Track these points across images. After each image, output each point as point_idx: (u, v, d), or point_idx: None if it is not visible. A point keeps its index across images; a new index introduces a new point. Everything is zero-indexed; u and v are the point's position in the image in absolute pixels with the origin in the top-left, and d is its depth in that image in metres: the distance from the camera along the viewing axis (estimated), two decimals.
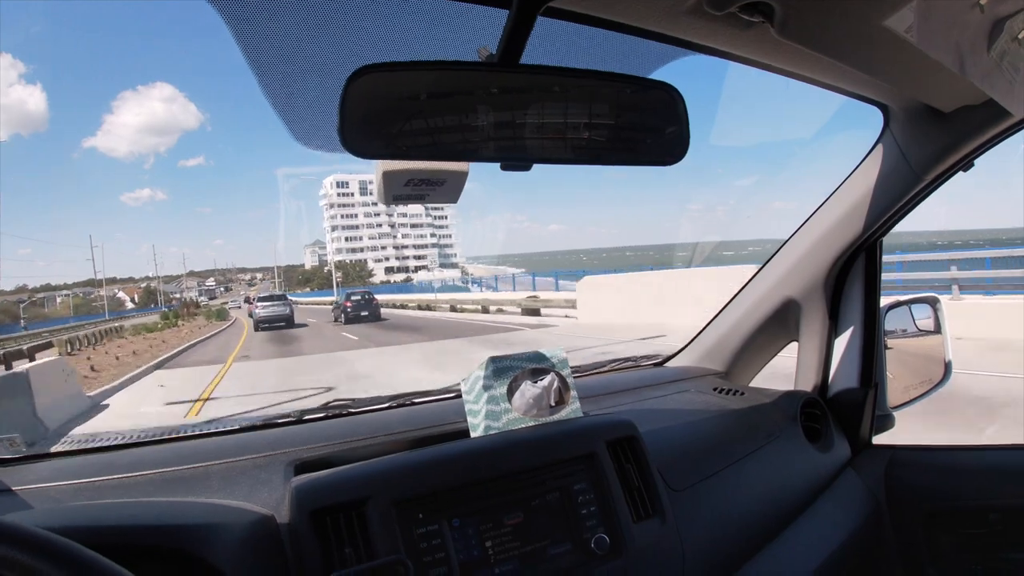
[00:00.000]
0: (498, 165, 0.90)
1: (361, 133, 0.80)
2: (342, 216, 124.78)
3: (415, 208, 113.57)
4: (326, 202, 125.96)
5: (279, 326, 24.86)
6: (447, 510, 1.03)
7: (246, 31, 0.86)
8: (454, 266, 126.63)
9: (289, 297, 32.95)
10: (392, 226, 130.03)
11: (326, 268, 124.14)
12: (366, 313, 25.57)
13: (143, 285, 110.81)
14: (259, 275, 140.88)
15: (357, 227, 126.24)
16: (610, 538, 1.10)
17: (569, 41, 0.97)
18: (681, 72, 1.11)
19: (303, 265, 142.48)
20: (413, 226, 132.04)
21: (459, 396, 1.45)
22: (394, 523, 0.98)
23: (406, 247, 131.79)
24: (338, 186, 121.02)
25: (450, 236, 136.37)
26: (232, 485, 1.09)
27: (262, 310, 26.33)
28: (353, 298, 26.86)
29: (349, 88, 0.78)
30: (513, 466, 1.10)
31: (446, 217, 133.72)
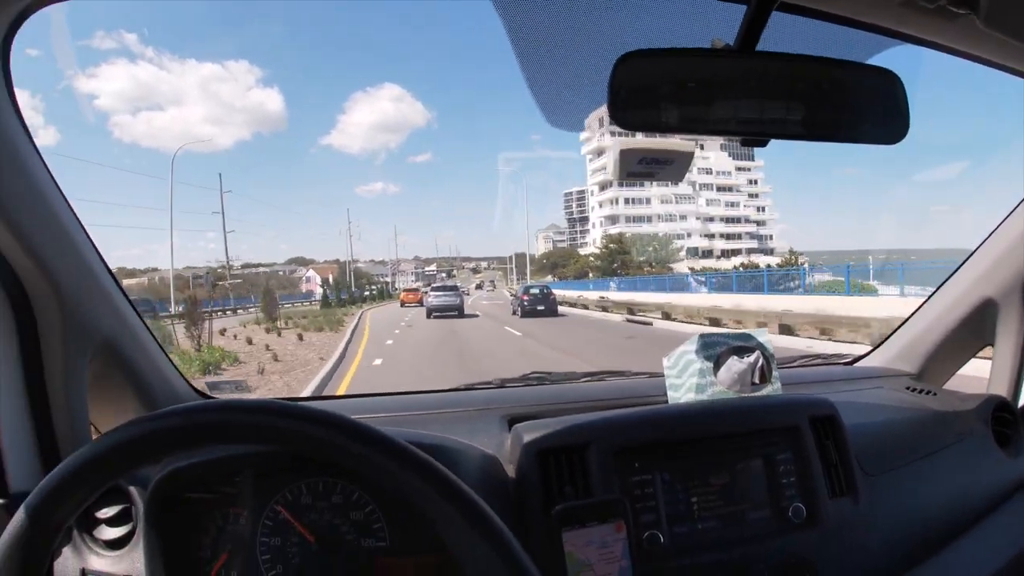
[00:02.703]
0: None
1: (626, 107, 0.91)
2: None
3: (720, 159, 75.14)
4: (591, 148, 77.17)
5: (450, 315, 25.91)
6: (659, 464, 1.10)
7: (517, 22, 1.01)
8: (771, 252, 74.92)
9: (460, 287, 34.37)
10: (693, 185, 75.43)
11: (587, 251, 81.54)
12: (542, 307, 25.64)
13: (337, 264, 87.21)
14: (483, 263, 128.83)
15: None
16: (807, 509, 1.14)
17: (794, 31, 1.06)
18: (887, 60, 1.15)
19: (535, 254, 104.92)
20: (721, 188, 77.57)
21: (651, 376, 1.55)
22: (612, 468, 1.06)
23: (712, 219, 77.58)
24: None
25: (764, 209, 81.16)
26: (452, 432, 1.19)
27: (435, 299, 27.56)
28: (532, 291, 27.36)
29: (617, 69, 0.89)
30: (721, 430, 1.17)
31: (756, 183, 79.83)
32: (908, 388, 1.67)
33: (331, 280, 75.06)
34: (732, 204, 78.38)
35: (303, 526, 0.99)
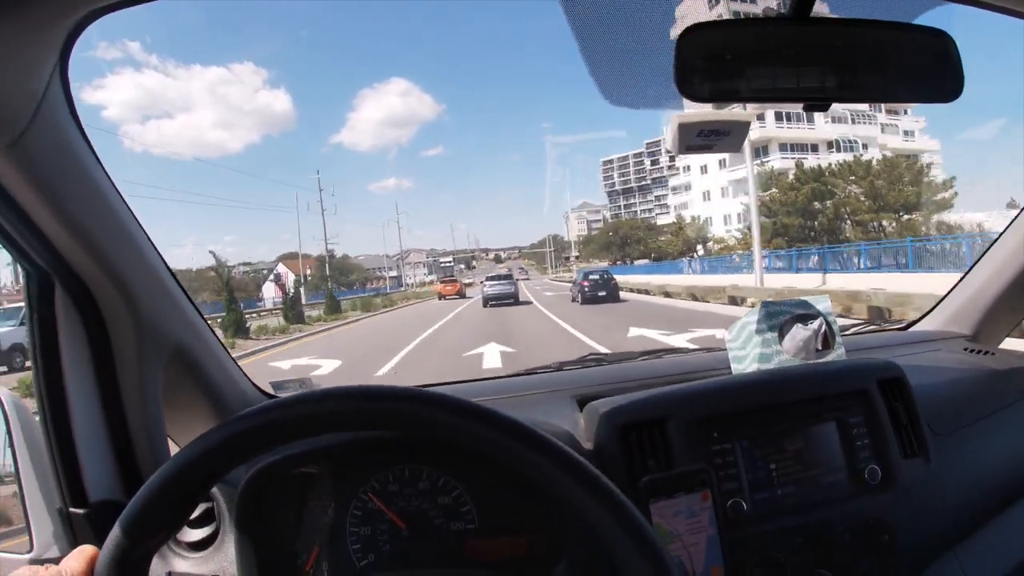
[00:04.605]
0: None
1: (693, 80, 0.92)
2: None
3: None
4: None
5: (506, 303, 25.69)
6: (737, 432, 1.11)
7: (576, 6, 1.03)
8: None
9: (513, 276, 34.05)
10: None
11: (692, 212, 57.86)
12: (603, 293, 23.99)
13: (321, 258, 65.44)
14: (503, 252, 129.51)
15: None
16: (881, 471, 1.15)
17: None
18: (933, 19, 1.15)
19: (571, 238, 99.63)
20: (889, 110, 51.37)
21: (708, 351, 1.56)
22: (693, 439, 1.08)
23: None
24: None
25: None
26: (524, 414, 1.17)
27: (490, 288, 27.69)
28: (591, 277, 25.53)
29: (681, 42, 0.90)
30: (794, 396, 1.18)
31: (906, 112, 52.42)
32: (965, 349, 1.67)
33: (308, 276, 56.47)
34: (908, 133, 53.09)
35: (393, 513, 1.01)
